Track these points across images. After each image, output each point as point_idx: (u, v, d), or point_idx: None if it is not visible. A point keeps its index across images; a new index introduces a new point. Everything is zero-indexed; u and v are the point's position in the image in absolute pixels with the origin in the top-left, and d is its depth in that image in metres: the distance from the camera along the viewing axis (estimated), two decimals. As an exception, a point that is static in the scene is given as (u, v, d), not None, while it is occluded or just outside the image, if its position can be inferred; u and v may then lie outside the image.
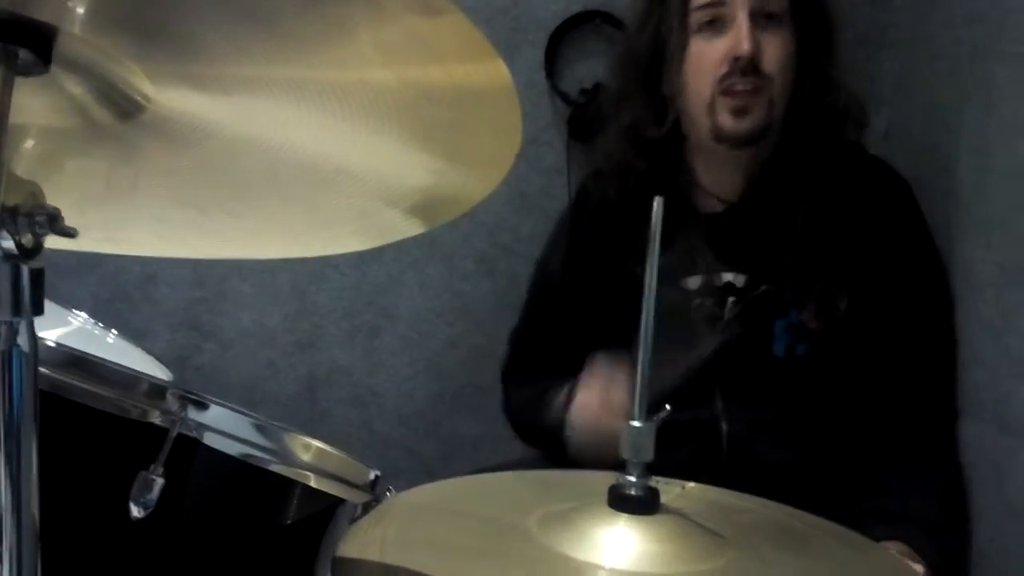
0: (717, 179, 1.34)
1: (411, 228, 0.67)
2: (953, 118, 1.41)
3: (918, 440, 1.29)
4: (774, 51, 1.24)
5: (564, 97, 1.87)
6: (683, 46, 1.27)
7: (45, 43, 0.53)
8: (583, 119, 1.85)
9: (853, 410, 1.30)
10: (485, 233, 1.94)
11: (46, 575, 0.61)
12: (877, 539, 1.01)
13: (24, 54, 0.53)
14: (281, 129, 0.59)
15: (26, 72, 0.54)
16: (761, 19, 1.24)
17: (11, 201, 0.53)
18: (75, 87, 0.57)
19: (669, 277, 1.31)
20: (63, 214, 0.57)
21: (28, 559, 0.58)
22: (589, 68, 1.88)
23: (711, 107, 1.26)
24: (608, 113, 1.42)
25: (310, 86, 0.54)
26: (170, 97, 0.58)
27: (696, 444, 1.27)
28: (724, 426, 1.30)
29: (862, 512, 1.17)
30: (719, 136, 1.28)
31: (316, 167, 0.62)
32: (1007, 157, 1.25)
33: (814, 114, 1.28)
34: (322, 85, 0.54)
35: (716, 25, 1.25)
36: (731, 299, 1.33)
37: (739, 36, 1.22)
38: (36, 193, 0.54)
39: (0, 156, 0.51)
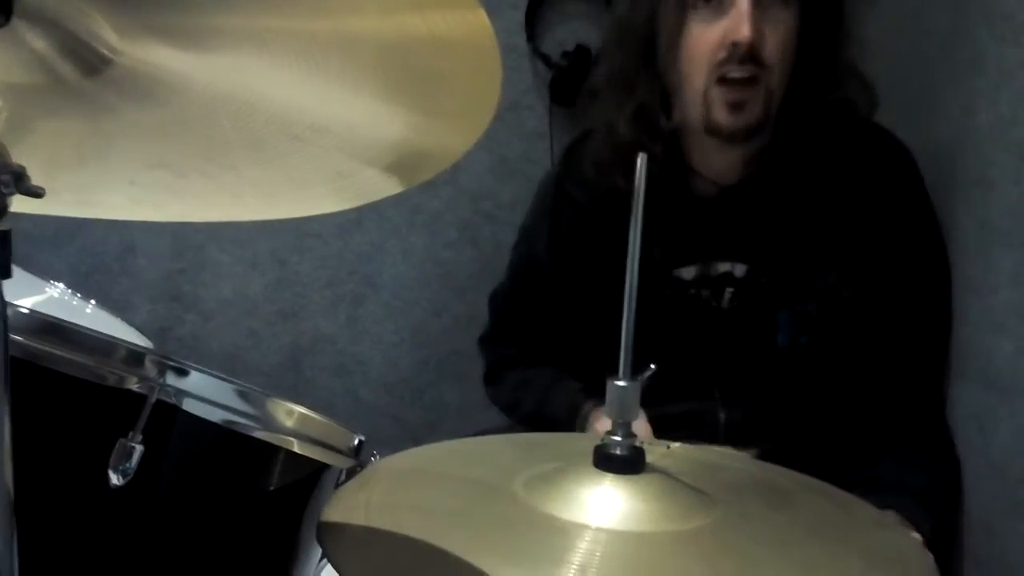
0: (712, 163, 1.28)
1: (389, 187, 0.66)
2: (938, 76, 1.40)
3: (912, 416, 1.27)
4: (776, 38, 1.16)
5: (546, 60, 1.85)
6: (680, 26, 1.19)
7: (6, -5, 0.51)
8: (565, 83, 1.84)
9: (852, 392, 1.28)
10: (467, 200, 1.92)
11: (25, 545, 0.60)
12: None
13: (-17, 6, 0.51)
14: (253, 83, 0.57)
15: (-15, 25, 0.52)
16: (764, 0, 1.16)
17: (-26, 160, 0.51)
18: (38, 41, 0.55)
19: (661, 268, 1.27)
20: (34, 176, 0.56)
21: (3, 528, 0.57)
22: (571, 30, 1.86)
23: (706, 97, 1.19)
24: (604, 86, 1.33)
25: (282, 36, 0.52)
26: (137, 50, 0.56)
27: (693, 434, 1.25)
28: (722, 416, 1.28)
29: (854, 483, 1.16)
30: (712, 130, 1.21)
31: (290, 124, 0.60)
32: (989, 114, 1.24)
33: (817, 99, 1.22)
34: (294, 35, 0.52)
35: (715, 5, 1.16)
36: (730, 290, 1.28)
37: (739, 20, 1.14)
38: (0, 152, 0.53)
39: (-39, 112, 0.49)
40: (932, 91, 1.41)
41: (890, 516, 1.11)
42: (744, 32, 1.14)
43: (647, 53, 1.25)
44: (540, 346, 1.45)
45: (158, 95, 0.59)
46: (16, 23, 0.53)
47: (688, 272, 1.29)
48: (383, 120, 0.59)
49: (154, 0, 0.51)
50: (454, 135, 0.60)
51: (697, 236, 1.28)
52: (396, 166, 0.64)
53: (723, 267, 1.28)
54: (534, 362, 1.45)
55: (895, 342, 1.28)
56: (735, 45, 1.15)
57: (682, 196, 1.28)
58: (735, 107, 1.18)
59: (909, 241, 1.28)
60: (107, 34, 0.55)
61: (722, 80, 1.17)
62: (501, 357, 1.51)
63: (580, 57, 1.83)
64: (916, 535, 1.09)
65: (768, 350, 1.26)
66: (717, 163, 1.27)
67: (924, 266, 1.28)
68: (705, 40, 1.18)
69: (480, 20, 0.48)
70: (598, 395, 1.28)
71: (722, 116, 1.19)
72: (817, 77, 1.21)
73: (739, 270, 1.28)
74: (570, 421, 1.32)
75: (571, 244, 1.37)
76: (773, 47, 1.16)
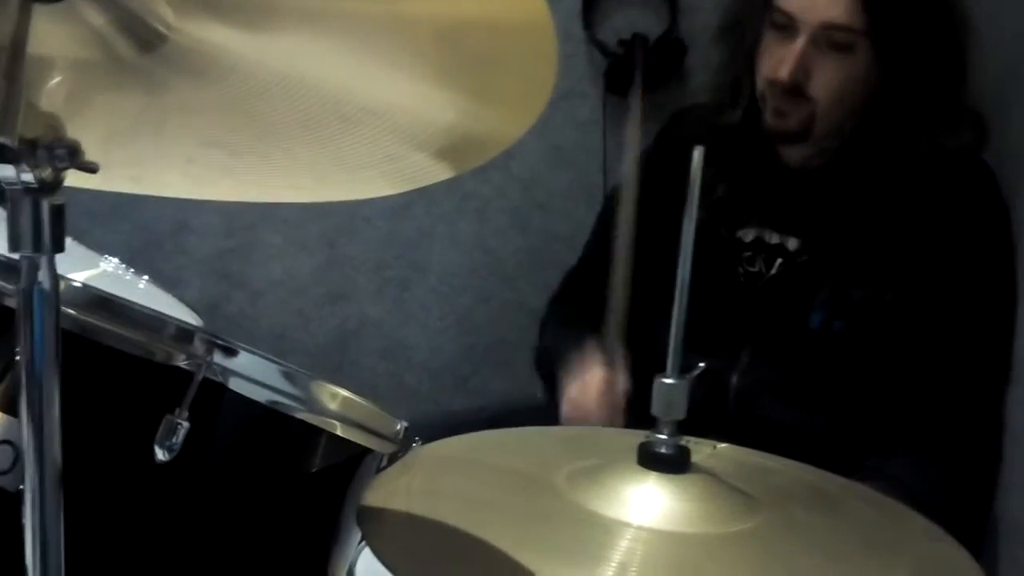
0: (792, 149, 1.36)
1: (440, 172, 0.65)
2: (1012, 80, 1.36)
3: (941, 424, 1.25)
4: (826, 77, 1.24)
5: (601, 48, 1.82)
6: (757, 36, 1.30)
7: (64, -30, 0.52)
8: (621, 71, 1.81)
9: (878, 387, 1.28)
10: (519, 188, 1.91)
11: (71, 516, 0.60)
12: None
13: (42, -20, 0.51)
14: (306, 65, 0.57)
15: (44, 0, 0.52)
16: (824, 45, 1.23)
17: (30, 134, 0.51)
18: (95, 16, 0.56)
19: (727, 223, 1.35)
20: (90, 150, 0.56)
21: (51, 500, 0.57)
22: (627, 18, 1.83)
23: (762, 100, 1.30)
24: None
25: (336, 17, 0.52)
26: (192, 28, 0.56)
27: (703, 394, 1.26)
28: (734, 380, 1.31)
29: (861, 469, 1.17)
30: (766, 128, 1.30)
31: (342, 105, 0.60)
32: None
33: (899, 127, 1.26)
34: (348, 16, 0.51)
35: (786, 30, 1.25)
36: (779, 260, 1.33)
37: (788, 59, 1.23)
38: (56, 126, 0.53)
39: (17, 85, 0.49)
40: (1009, 95, 1.36)
41: None
42: (782, 74, 1.24)
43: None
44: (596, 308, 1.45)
45: (212, 73, 0.59)
46: (74, -2, 0.54)
47: (747, 234, 1.36)
48: (435, 104, 0.59)
49: (210, -23, 0.51)
50: (507, 121, 0.60)
51: (765, 202, 1.35)
52: (447, 151, 0.63)
53: (780, 238, 1.34)
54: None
55: (934, 355, 1.27)
56: (776, 79, 1.25)
57: (765, 163, 1.35)
58: (778, 113, 1.28)
59: (973, 264, 1.27)
60: (163, 11, 0.55)
61: (770, 93, 1.29)
62: (556, 313, 1.53)
63: (637, 46, 1.80)
64: None
65: (799, 328, 1.30)
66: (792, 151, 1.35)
67: (983, 291, 1.27)
68: (768, 57, 1.28)
69: (536, 3, 0.47)
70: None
71: (769, 117, 1.29)
72: (895, 113, 1.26)
73: (792, 244, 1.33)
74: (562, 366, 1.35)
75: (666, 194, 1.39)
76: (820, 85, 1.24)
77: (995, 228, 1.28)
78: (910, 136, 1.26)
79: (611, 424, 1.25)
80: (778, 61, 1.25)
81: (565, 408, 1.31)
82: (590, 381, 1.27)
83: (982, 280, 1.27)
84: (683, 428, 0.76)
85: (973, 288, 1.27)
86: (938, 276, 1.26)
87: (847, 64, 1.24)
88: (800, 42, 1.22)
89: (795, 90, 1.25)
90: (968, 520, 1.23)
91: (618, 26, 1.83)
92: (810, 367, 1.29)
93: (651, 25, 1.81)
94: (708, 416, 1.16)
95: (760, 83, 1.29)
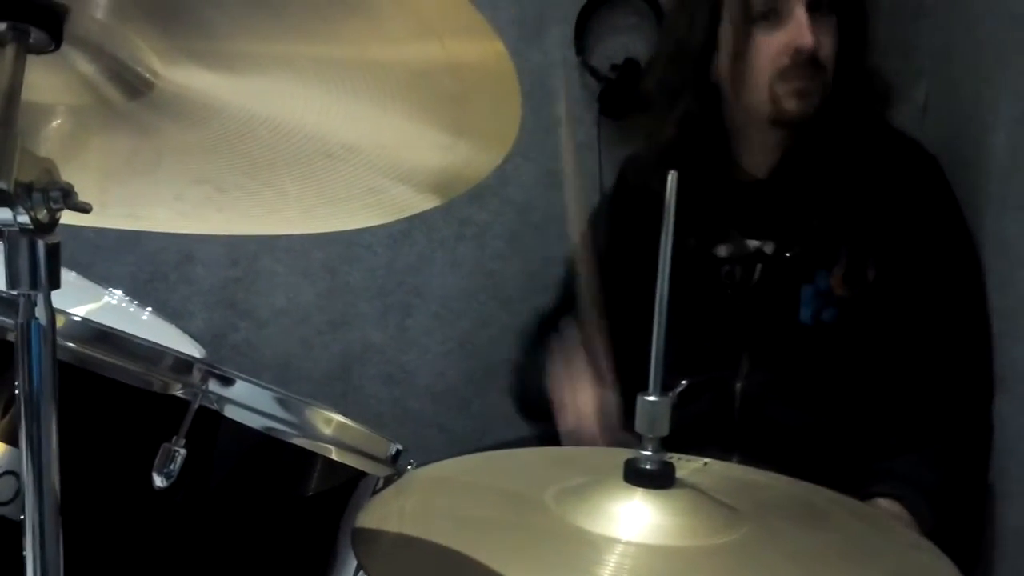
0: (753, 157, 1.40)
1: (422, 202, 0.68)
2: (991, 89, 1.38)
3: (940, 411, 1.29)
4: (827, 40, 1.30)
5: (595, 73, 1.86)
6: (746, 39, 1.32)
7: (56, 22, 0.55)
8: (614, 95, 1.84)
9: (876, 377, 1.32)
10: (515, 212, 1.93)
11: (70, 543, 0.62)
12: (874, 495, 1.13)
13: (35, 32, 0.54)
14: (286, 106, 0.60)
15: (37, 50, 0.55)
16: (816, 7, 1.28)
17: (26, 177, 0.54)
18: (85, 66, 0.59)
19: (701, 245, 1.39)
20: (88, 190, 0.59)
21: (50, 526, 0.59)
22: (620, 43, 1.86)
23: (772, 93, 1.31)
24: (651, 98, 1.45)
25: (310, 61, 0.55)
26: (177, 74, 0.59)
27: (709, 402, 1.30)
28: (738, 386, 1.34)
29: (870, 472, 1.21)
30: (780, 119, 1.32)
31: (323, 142, 0.63)
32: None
33: (848, 96, 1.33)
34: (322, 60, 0.54)
35: (772, 17, 1.29)
36: (759, 265, 1.37)
37: (801, 30, 1.27)
38: (51, 169, 0.56)
39: (12, 132, 0.52)
40: (987, 105, 1.38)
41: (896, 508, 1.15)
42: (807, 40, 1.27)
43: (699, 67, 1.37)
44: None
45: (198, 116, 0.62)
46: (65, 49, 0.56)
47: (723, 250, 1.40)
48: (411, 140, 0.62)
49: (191, 27, 0.54)
50: (482, 153, 0.62)
51: (734, 217, 1.39)
52: (427, 183, 0.66)
53: (754, 244, 1.39)
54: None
55: (924, 331, 1.31)
56: (798, 52, 1.28)
57: (723, 182, 1.40)
58: (801, 94, 1.30)
59: (930, 232, 1.34)
60: (149, 59, 0.58)
61: (787, 78, 1.30)
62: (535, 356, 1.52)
63: (629, 70, 1.83)
64: (915, 529, 1.11)
65: (791, 326, 1.34)
66: (757, 158, 1.40)
67: (946, 256, 1.34)
68: (768, 48, 1.30)
69: (497, 48, 0.50)
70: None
71: (791, 104, 1.31)
72: (850, 77, 1.33)
73: (768, 247, 1.38)
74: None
75: (628, 238, 1.43)
76: (827, 49, 1.30)
77: (946, 203, 1.35)
78: (859, 109, 1.33)
79: (612, 444, 1.27)
80: (787, 40, 1.28)
81: (564, 442, 1.31)
82: (584, 408, 1.28)
83: (945, 241, 1.34)
84: (692, 439, 0.77)
85: (940, 250, 1.33)
86: (908, 245, 1.32)
87: (832, 25, 1.30)
88: (801, 11, 1.27)
89: (813, 60, 1.28)
90: (972, 497, 1.28)
91: (610, 51, 1.86)
92: (809, 363, 1.33)
93: (642, 50, 1.85)
94: (716, 425, 1.23)
95: (764, 78, 1.31)
